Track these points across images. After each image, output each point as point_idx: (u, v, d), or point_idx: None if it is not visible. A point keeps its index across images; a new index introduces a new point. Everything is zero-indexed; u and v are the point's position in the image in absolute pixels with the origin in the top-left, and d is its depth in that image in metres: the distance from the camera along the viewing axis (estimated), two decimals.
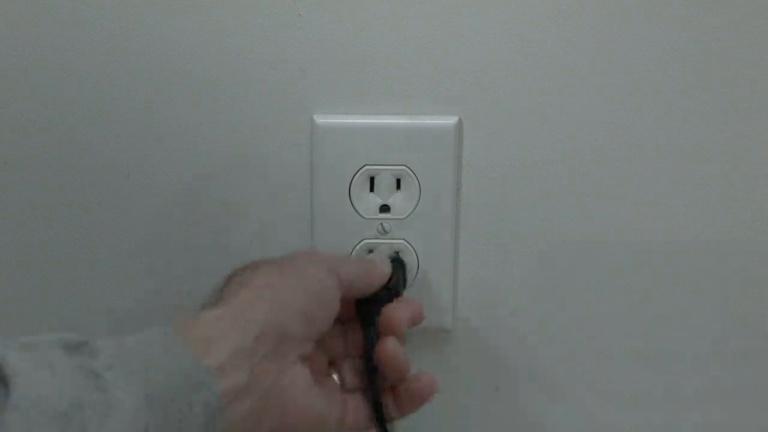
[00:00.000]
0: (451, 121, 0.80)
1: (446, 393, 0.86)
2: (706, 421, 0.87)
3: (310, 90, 0.79)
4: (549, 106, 0.79)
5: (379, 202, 0.81)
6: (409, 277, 0.81)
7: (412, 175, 0.80)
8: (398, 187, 0.81)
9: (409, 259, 0.81)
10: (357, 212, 0.81)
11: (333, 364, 0.76)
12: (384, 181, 0.80)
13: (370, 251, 0.81)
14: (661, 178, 0.81)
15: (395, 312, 0.74)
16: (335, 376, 0.76)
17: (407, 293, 0.82)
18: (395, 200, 0.81)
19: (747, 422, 0.86)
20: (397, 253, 0.81)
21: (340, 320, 0.74)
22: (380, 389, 0.75)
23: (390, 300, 0.76)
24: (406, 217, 0.81)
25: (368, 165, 0.80)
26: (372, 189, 0.81)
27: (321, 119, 0.79)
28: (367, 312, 0.75)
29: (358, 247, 0.81)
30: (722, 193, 0.81)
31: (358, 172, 0.80)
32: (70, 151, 0.80)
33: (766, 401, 0.86)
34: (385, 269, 0.76)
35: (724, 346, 0.85)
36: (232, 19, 0.77)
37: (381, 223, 0.81)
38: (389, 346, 0.73)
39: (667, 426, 0.87)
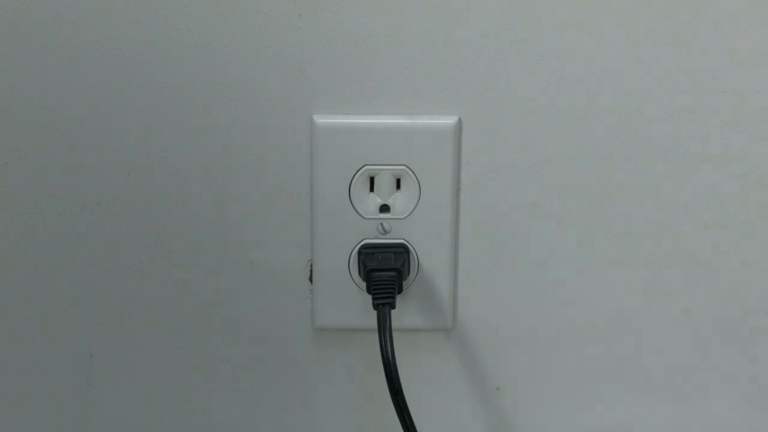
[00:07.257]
0: (450, 120, 0.80)
1: (446, 393, 0.86)
2: (710, 420, 0.87)
3: (310, 90, 0.79)
4: (549, 105, 0.79)
5: (379, 202, 0.81)
6: (410, 276, 0.82)
7: (412, 175, 0.80)
8: (398, 187, 0.81)
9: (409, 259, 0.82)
10: (357, 212, 0.81)
11: None
12: (384, 181, 0.80)
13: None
14: (661, 177, 0.81)
15: None
16: None
17: (407, 293, 0.82)
18: (395, 200, 0.81)
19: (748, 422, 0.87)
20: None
21: None
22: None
23: None
24: (406, 217, 0.81)
25: (368, 165, 0.80)
26: (372, 189, 0.81)
27: (321, 119, 0.79)
28: None
29: (358, 247, 0.81)
30: (724, 191, 0.81)
31: (358, 172, 0.80)
32: (70, 151, 0.80)
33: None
34: None
35: (727, 344, 0.85)
36: (232, 19, 0.77)
37: (381, 223, 0.81)
38: None
39: (668, 426, 0.87)
